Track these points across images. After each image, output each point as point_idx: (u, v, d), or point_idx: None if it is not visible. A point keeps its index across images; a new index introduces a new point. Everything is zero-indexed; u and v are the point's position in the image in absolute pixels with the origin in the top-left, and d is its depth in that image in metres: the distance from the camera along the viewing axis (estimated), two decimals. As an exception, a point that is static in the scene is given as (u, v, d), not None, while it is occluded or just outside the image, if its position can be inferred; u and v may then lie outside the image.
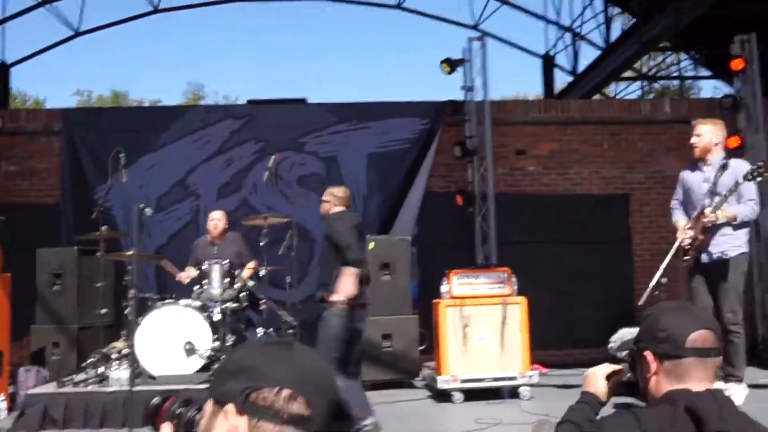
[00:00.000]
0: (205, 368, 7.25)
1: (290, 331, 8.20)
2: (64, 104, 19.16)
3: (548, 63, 15.91)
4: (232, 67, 53.96)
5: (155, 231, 10.65)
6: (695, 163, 6.13)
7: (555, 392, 7.87)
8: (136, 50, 53.28)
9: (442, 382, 7.89)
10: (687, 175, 6.24)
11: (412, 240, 9.80)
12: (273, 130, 10.99)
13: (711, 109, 11.79)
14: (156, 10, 15.21)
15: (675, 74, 20.00)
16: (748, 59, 10.94)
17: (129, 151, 8.10)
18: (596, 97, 15.60)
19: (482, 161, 11.17)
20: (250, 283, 8.13)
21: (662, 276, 5.56)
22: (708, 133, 6.05)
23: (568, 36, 15.84)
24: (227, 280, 7.78)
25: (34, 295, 8.91)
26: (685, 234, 5.99)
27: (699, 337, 2.03)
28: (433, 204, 11.06)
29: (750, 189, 5.84)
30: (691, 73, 19.56)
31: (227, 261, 7.88)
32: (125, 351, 7.36)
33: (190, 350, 7.30)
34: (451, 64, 11.36)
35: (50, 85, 48.23)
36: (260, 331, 8.03)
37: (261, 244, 7.59)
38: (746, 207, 5.86)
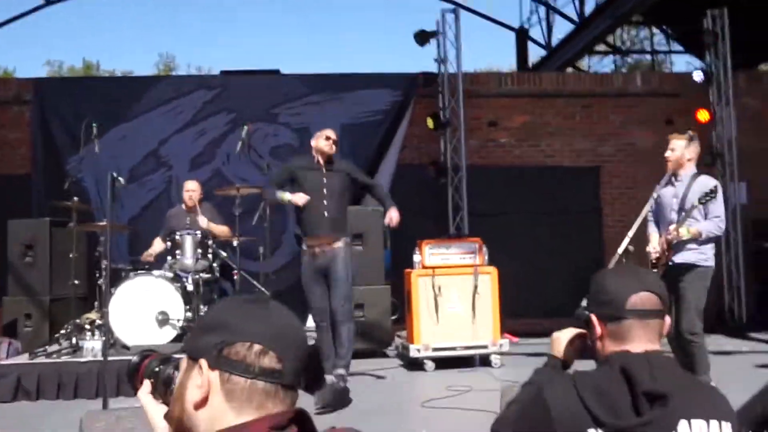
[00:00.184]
0: (178, 338, 7.28)
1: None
2: (34, 75, 18.91)
3: (522, 36, 15.93)
4: (204, 38, 53.45)
5: (128, 202, 10.60)
6: (669, 177, 6.22)
7: (525, 360, 7.99)
8: (107, 20, 52.55)
9: (414, 351, 7.99)
10: (659, 190, 6.33)
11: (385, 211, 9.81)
12: (246, 101, 10.95)
13: (681, 82, 11.93)
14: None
15: (648, 49, 20.10)
16: (719, 34, 11.06)
17: (101, 122, 8.04)
18: (569, 70, 15.67)
19: (455, 133, 11.22)
20: (223, 254, 8.14)
21: (629, 244, 5.65)
22: (681, 149, 6.11)
23: (542, 9, 15.86)
24: (200, 250, 7.78)
25: (5, 267, 8.85)
26: (654, 249, 6.09)
27: (639, 299, 2.04)
28: (406, 175, 11.09)
29: (716, 206, 5.92)
30: (663, 48, 19.70)
31: (199, 232, 7.87)
32: (99, 322, 7.36)
33: (164, 320, 7.33)
34: (424, 37, 11.37)
35: (20, 55, 47.50)
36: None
37: (236, 214, 7.57)
38: (712, 224, 5.92)
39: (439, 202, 11.24)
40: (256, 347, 1.36)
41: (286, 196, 6.47)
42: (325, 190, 6.53)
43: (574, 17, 15.02)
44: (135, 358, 1.69)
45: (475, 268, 8.10)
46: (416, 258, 8.23)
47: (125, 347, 7.34)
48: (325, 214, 6.49)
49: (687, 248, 5.92)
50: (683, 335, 5.83)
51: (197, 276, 7.67)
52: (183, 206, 8.50)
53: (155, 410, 1.59)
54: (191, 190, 8.43)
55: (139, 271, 7.70)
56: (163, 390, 1.60)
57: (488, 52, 53.20)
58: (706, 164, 8.77)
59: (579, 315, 2.17)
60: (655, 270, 6.07)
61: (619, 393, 1.89)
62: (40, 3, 14.62)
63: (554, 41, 15.57)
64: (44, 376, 6.95)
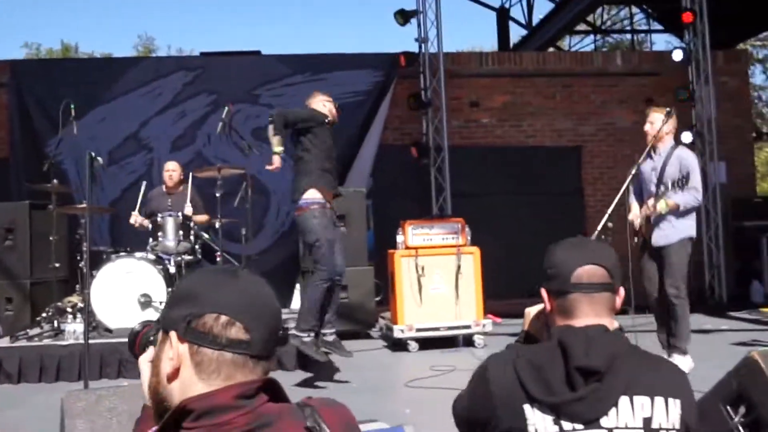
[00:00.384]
0: (161, 321, 7.24)
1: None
2: (11, 57, 18.68)
3: (503, 16, 15.89)
4: (183, 20, 52.98)
5: (108, 184, 10.54)
6: (648, 151, 6.31)
7: (508, 340, 7.93)
8: (86, 2, 51.93)
9: (398, 332, 8.00)
10: (639, 163, 6.41)
11: (367, 192, 9.81)
12: (226, 82, 10.89)
13: (661, 61, 11.97)
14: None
15: (628, 28, 20.12)
16: (698, 12, 11.09)
17: (80, 104, 7.97)
18: (550, 50, 15.67)
19: (436, 113, 11.22)
20: (205, 236, 8.11)
21: (608, 221, 5.72)
22: (659, 122, 6.22)
23: (523, -12, 15.81)
24: (182, 232, 7.75)
25: (-16, 251, 8.77)
26: (636, 217, 6.26)
27: (585, 272, 1.98)
28: (388, 156, 11.09)
29: (694, 177, 6.05)
30: (644, 28, 19.72)
31: (181, 213, 7.83)
32: (80, 304, 7.33)
33: (146, 303, 7.29)
34: (405, 16, 11.35)
35: (-4, 37, 46.89)
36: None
37: (216, 195, 7.54)
38: (689, 195, 6.06)
39: (422, 183, 11.24)
40: (223, 318, 1.37)
41: (278, 148, 6.27)
42: (332, 151, 6.49)
43: (555, -3, 15.03)
44: (136, 327, 1.72)
45: (458, 248, 8.11)
46: (399, 238, 8.23)
47: (108, 330, 7.32)
48: (333, 172, 6.47)
49: (666, 221, 6.09)
50: (668, 298, 6.03)
51: (179, 258, 7.65)
52: (163, 187, 8.46)
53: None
54: (171, 170, 8.41)
55: (120, 254, 7.66)
56: None
57: (470, 32, 53.12)
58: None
59: (536, 290, 2.14)
60: (636, 239, 6.21)
61: (554, 368, 1.86)
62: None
63: (535, 21, 15.58)
64: (26, 359, 6.93)
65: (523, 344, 2.21)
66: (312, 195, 6.20)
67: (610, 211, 5.75)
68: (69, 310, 7.53)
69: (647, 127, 6.32)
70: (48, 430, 3.82)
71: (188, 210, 7.94)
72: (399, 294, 8.06)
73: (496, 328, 8.28)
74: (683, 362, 5.92)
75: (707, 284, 11.09)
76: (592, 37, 19.95)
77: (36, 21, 48.41)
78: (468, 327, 8.05)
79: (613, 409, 1.82)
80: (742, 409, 2.75)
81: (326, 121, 6.46)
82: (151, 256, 7.59)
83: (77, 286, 7.90)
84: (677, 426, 1.85)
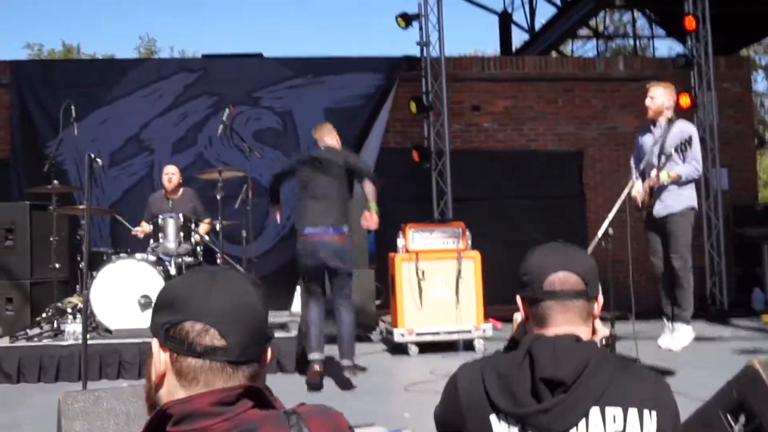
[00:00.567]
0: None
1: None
2: (13, 57, 18.70)
3: (505, 20, 15.90)
4: (186, 22, 53.00)
5: (109, 186, 10.54)
6: (648, 124, 6.53)
7: (508, 345, 7.98)
8: (88, 3, 51.98)
9: (398, 336, 8.00)
10: (640, 137, 6.71)
11: (368, 195, 9.79)
12: (228, 84, 10.87)
13: (663, 67, 11.96)
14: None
15: (630, 33, 20.13)
16: (701, 18, 11.07)
17: (81, 105, 7.97)
18: (553, 55, 15.67)
19: (438, 117, 11.21)
20: (206, 237, 8.12)
21: (609, 226, 5.75)
22: (660, 96, 6.53)
23: (525, -7, 15.82)
24: (182, 234, 7.75)
25: (-16, 251, 8.77)
26: (638, 193, 6.42)
27: (557, 279, 1.91)
28: (389, 159, 11.07)
29: (694, 150, 6.26)
30: (646, 33, 19.73)
31: (182, 215, 7.83)
32: (80, 305, 7.33)
33: (146, 304, 7.29)
34: (407, 19, 11.34)
35: (-2, 38, 46.90)
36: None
37: (217, 197, 7.56)
38: (689, 167, 6.30)
39: (423, 187, 11.22)
40: (198, 326, 1.36)
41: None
42: None
43: (557, 1, 15.04)
44: None
45: (459, 252, 8.10)
46: (400, 242, 8.23)
47: (107, 331, 7.32)
48: None
49: (668, 191, 6.30)
50: (674, 271, 6.28)
51: (180, 260, 7.65)
52: (163, 191, 8.49)
53: None
54: (170, 173, 8.46)
55: (121, 255, 7.67)
56: None
57: (472, 36, 53.12)
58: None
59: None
60: (640, 212, 6.39)
61: (520, 379, 1.80)
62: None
63: (537, 25, 15.57)
64: (25, 359, 6.93)
65: (503, 352, 2.15)
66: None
67: (611, 217, 5.77)
68: (69, 310, 7.53)
69: (648, 101, 6.56)
70: (46, 430, 3.81)
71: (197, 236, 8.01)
72: (399, 298, 8.06)
73: (496, 332, 8.26)
74: (686, 331, 6.32)
75: (708, 291, 11.04)
76: (594, 42, 19.98)
77: (38, 22, 48.43)
78: (468, 331, 8.04)
79: (583, 421, 1.76)
80: (742, 418, 2.74)
81: None
82: (152, 258, 7.59)
83: (77, 286, 7.90)
84: None
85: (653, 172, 6.25)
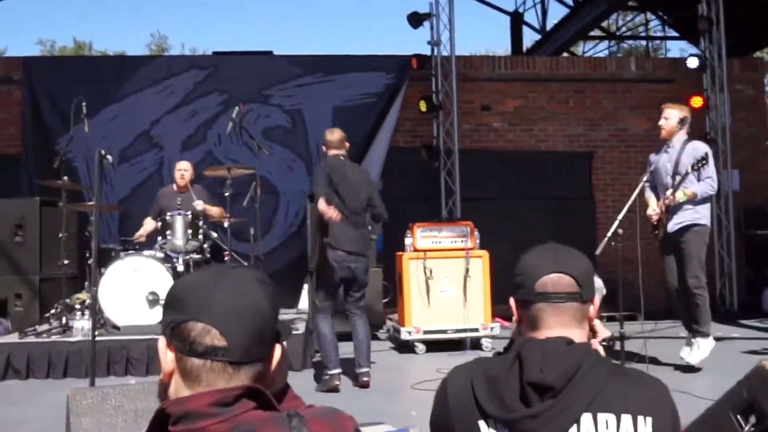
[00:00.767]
0: (168, 319, 7.24)
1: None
2: (25, 54, 18.75)
3: (517, 20, 15.84)
4: (197, 19, 53.06)
5: (119, 182, 10.56)
6: (662, 145, 6.57)
7: (516, 344, 7.96)
8: (100, 0, 52.11)
9: (406, 334, 7.99)
10: (654, 157, 6.72)
11: (377, 193, 9.78)
12: (238, 82, 10.88)
13: (676, 68, 11.90)
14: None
15: (643, 35, 20.03)
16: (715, 20, 11.01)
17: (92, 102, 7.97)
18: (564, 55, 15.61)
19: (447, 116, 11.19)
20: (214, 234, 8.11)
21: (618, 227, 5.79)
22: (674, 117, 6.56)
23: (537, -7, 15.75)
24: (190, 231, 7.75)
25: (-5, 246, 8.80)
26: (654, 212, 6.50)
27: (549, 281, 1.86)
28: (398, 158, 11.06)
29: (708, 168, 6.31)
30: (659, 34, 19.62)
31: (190, 212, 7.83)
32: (89, 301, 7.34)
33: (154, 301, 7.30)
34: (418, 19, 11.32)
35: (11, 34, 47.07)
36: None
37: (226, 194, 7.55)
38: (705, 185, 6.35)
39: (432, 186, 11.20)
40: (199, 326, 1.35)
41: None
42: None
43: (569, 2, 14.97)
44: None
45: (467, 251, 8.09)
46: (408, 241, 8.22)
47: (115, 327, 7.33)
48: None
49: (683, 210, 6.35)
50: (689, 289, 6.32)
51: (188, 257, 7.65)
52: (174, 186, 8.47)
53: None
54: (183, 169, 8.42)
55: (129, 251, 7.68)
56: None
57: (483, 36, 52.99)
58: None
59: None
60: (656, 232, 6.46)
61: (509, 383, 1.75)
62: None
63: (549, 26, 15.51)
64: (34, 355, 6.96)
65: (498, 355, 2.05)
66: None
67: (620, 217, 5.79)
68: (77, 307, 7.55)
69: (662, 122, 6.61)
70: (55, 426, 3.82)
71: (199, 206, 7.94)
72: (407, 296, 8.05)
73: (503, 331, 8.24)
74: (706, 344, 6.41)
75: (718, 292, 10.99)
76: (606, 42, 19.89)
77: (50, 18, 48.66)
78: (476, 330, 8.03)
79: (574, 427, 1.70)
80: (752, 419, 2.71)
81: None
82: (160, 255, 7.60)
83: (86, 283, 7.91)
84: None
85: (668, 192, 6.32)
